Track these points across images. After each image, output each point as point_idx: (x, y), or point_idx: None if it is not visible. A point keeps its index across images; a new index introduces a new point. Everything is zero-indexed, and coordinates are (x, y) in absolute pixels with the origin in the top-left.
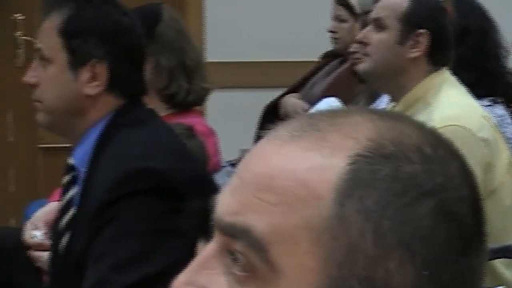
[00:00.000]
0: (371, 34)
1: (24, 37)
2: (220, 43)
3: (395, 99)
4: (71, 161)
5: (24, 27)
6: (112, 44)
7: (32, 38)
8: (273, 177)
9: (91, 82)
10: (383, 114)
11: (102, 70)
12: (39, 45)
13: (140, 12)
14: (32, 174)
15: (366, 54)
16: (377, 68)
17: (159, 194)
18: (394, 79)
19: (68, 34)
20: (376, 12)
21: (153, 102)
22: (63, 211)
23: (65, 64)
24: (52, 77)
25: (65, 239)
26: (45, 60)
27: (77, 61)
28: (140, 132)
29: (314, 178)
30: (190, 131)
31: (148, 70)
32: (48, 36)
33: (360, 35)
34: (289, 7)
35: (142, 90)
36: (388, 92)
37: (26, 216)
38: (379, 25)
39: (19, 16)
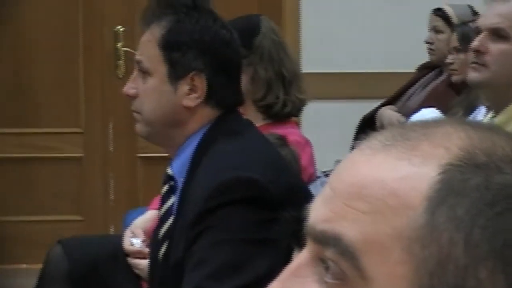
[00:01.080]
0: (488, 44)
1: (125, 49)
2: (316, 54)
3: (497, 110)
4: (170, 171)
5: (125, 38)
6: (211, 57)
7: (133, 50)
8: (364, 186)
9: (190, 94)
10: (475, 124)
11: (201, 82)
12: (139, 57)
13: (239, 23)
14: (131, 183)
15: (483, 64)
16: (494, 79)
17: (254, 203)
18: (507, 91)
19: (169, 46)
20: (495, 21)
21: (250, 113)
22: (162, 220)
23: (165, 76)
24: (151, 89)
25: (163, 248)
26: (145, 72)
27: (176, 73)
28: (236, 143)
29: (405, 187)
30: (282, 140)
31: (245, 81)
32: (149, 48)
33: (476, 43)
34: (386, 18)
35: (238, 101)
36: (491, 102)
37: (125, 224)
38: (499, 34)
39: (120, 28)
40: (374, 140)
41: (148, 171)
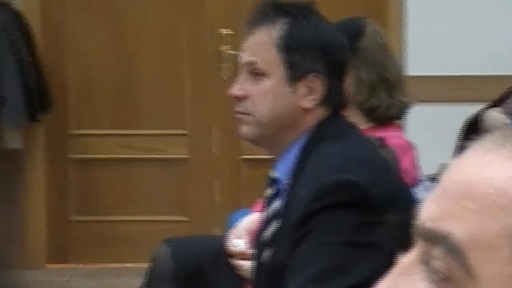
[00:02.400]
0: None
1: (229, 51)
2: (421, 57)
3: None
4: (274, 173)
5: (229, 41)
6: (329, 59)
7: (237, 52)
8: (473, 184)
9: (307, 95)
10: None
11: (318, 84)
12: (252, 58)
13: (343, 25)
14: (235, 184)
15: None
16: None
17: (358, 206)
18: None
19: (288, 48)
20: None
21: (353, 115)
22: (266, 223)
23: (283, 78)
24: (267, 90)
25: (268, 251)
26: (260, 74)
27: (295, 75)
28: (340, 145)
29: None
30: (381, 141)
31: (349, 84)
32: (264, 50)
33: None
34: (492, 21)
35: (343, 103)
36: None
37: (229, 225)
38: None
39: (224, 31)
40: (484, 141)
41: (252, 173)
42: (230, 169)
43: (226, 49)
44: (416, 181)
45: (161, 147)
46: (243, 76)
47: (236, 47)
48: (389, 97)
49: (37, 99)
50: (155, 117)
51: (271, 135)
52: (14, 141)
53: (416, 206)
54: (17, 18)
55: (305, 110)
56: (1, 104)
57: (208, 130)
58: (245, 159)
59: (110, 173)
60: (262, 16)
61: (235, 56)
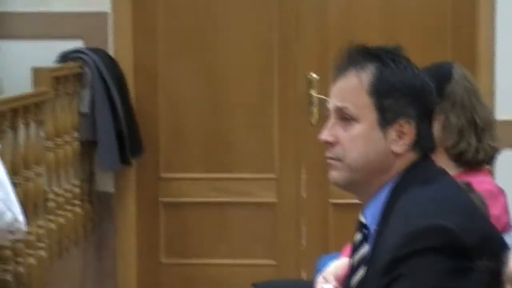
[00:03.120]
0: None
1: (318, 96)
2: (510, 101)
3: None
4: (362, 218)
5: (318, 85)
6: (419, 103)
7: (326, 97)
8: None
9: (398, 140)
10: None
11: (409, 128)
12: (342, 103)
13: (431, 70)
14: (323, 228)
15: None
16: None
17: (448, 252)
18: None
19: (380, 93)
20: None
21: (441, 160)
22: (354, 268)
23: (374, 123)
24: (358, 135)
25: None
26: (350, 119)
27: (387, 119)
28: (430, 189)
29: None
30: (469, 186)
31: (437, 128)
32: (355, 95)
33: None
34: None
35: (432, 148)
36: None
37: (317, 270)
38: None
39: (313, 75)
40: None
41: (340, 218)
42: (318, 213)
43: (315, 93)
44: (507, 228)
45: (250, 191)
46: (333, 121)
47: (325, 91)
48: (478, 141)
49: (129, 143)
50: (245, 160)
51: (361, 180)
52: (106, 184)
53: (507, 253)
54: (111, 63)
55: (396, 155)
56: (94, 147)
57: (297, 174)
58: (333, 204)
59: (200, 216)
60: (351, 61)
61: (324, 100)
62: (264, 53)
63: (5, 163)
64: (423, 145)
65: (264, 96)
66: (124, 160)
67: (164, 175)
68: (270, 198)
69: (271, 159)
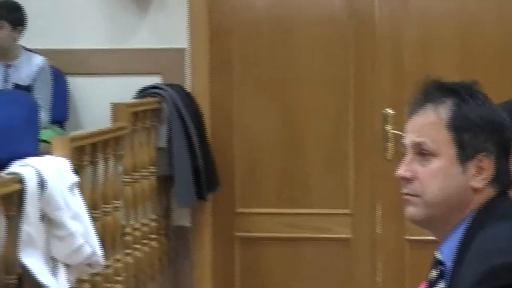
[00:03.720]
0: None
1: (394, 131)
2: None
3: None
4: (439, 255)
5: (394, 121)
6: (497, 139)
7: (402, 132)
8: None
9: (477, 175)
10: None
11: (488, 163)
12: (420, 139)
13: (507, 105)
14: (399, 265)
15: None
16: None
17: None
18: None
19: (458, 128)
20: None
21: None
22: None
23: (454, 158)
24: (437, 171)
25: None
26: (428, 154)
27: (466, 154)
28: (508, 226)
29: None
30: None
31: None
32: (434, 130)
33: None
34: None
35: (510, 183)
36: None
37: None
38: None
39: (389, 110)
40: None
41: (415, 254)
42: (394, 250)
43: (391, 129)
44: None
45: (325, 226)
46: (410, 156)
47: (401, 127)
48: None
49: (205, 178)
50: (319, 196)
51: (439, 216)
52: (183, 218)
53: None
54: (188, 98)
55: (474, 190)
56: (171, 182)
57: (372, 209)
58: (409, 240)
59: (275, 252)
60: (428, 97)
61: (400, 136)
62: (340, 89)
63: (84, 197)
64: (502, 180)
65: (340, 131)
66: (200, 195)
67: (240, 210)
68: (345, 234)
69: (346, 195)
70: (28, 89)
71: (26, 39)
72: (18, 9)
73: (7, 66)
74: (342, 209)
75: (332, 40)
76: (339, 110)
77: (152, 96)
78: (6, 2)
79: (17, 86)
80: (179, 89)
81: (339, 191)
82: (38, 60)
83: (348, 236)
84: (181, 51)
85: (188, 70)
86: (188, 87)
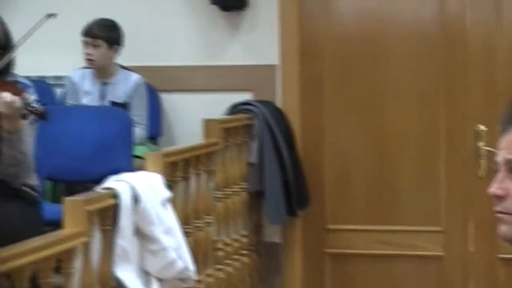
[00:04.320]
0: None
1: (486, 148)
2: None
3: None
4: None
5: (486, 137)
6: None
7: (494, 149)
8: None
9: None
10: None
11: None
12: (509, 156)
13: None
14: (491, 284)
15: None
16: None
17: None
18: None
19: None
20: None
21: None
22: None
23: None
24: None
25: None
26: None
27: None
28: None
29: None
30: None
31: None
32: None
33: None
34: None
35: None
36: None
37: None
38: None
39: (481, 127)
40: None
41: (509, 273)
42: (486, 268)
43: (483, 145)
44: None
45: (416, 244)
46: (502, 174)
47: (493, 143)
48: None
49: (296, 194)
50: (410, 212)
51: None
52: (273, 235)
53: None
54: (279, 114)
55: None
56: (261, 199)
57: (464, 227)
58: (502, 258)
59: (365, 268)
60: None
61: (492, 153)
62: (431, 104)
63: (176, 212)
64: None
65: (431, 147)
66: (291, 211)
67: (330, 226)
68: (437, 251)
69: (438, 211)
70: (124, 106)
71: (122, 57)
72: (114, 28)
73: (104, 83)
74: (434, 226)
75: (422, 55)
76: (430, 125)
77: (243, 112)
78: (103, 21)
79: (113, 104)
80: (270, 105)
81: (431, 208)
82: (134, 78)
83: (440, 253)
84: (272, 67)
85: (279, 86)
86: (279, 103)
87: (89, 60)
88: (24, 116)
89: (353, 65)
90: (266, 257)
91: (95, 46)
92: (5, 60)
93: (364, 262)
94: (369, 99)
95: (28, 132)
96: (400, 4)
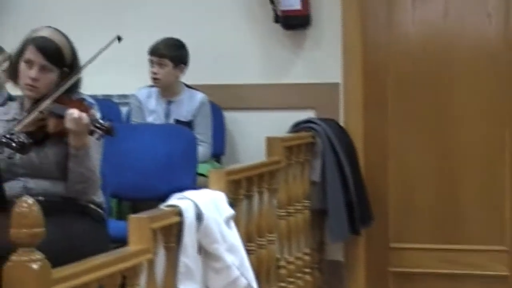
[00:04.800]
0: None
1: None
2: None
3: None
4: None
5: None
6: None
7: None
8: None
9: None
10: None
11: None
12: None
13: None
14: None
15: None
16: None
17: None
18: None
19: None
20: None
21: None
22: None
23: None
24: None
25: None
26: None
27: None
28: None
29: None
30: None
31: None
32: None
33: None
34: None
35: None
36: None
37: None
38: None
39: None
40: None
41: None
42: None
43: None
44: None
45: (481, 263)
46: None
47: None
48: None
49: (359, 212)
50: (475, 231)
51: None
52: (336, 253)
53: None
54: (342, 132)
55: None
56: (324, 216)
57: None
58: None
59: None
60: None
61: None
62: (495, 121)
63: (239, 230)
64: None
65: (496, 165)
66: (354, 229)
67: (393, 245)
68: (502, 271)
69: (503, 230)
70: (188, 124)
71: (186, 75)
72: (181, 47)
73: (169, 102)
74: (499, 246)
75: (488, 72)
76: (495, 143)
77: (306, 130)
78: (170, 40)
79: (178, 122)
80: (332, 123)
81: (495, 227)
82: (199, 97)
83: (505, 273)
84: (335, 85)
85: (341, 105)
86: (341, 121)
87: (155, 79)
88: (91, 132)
89: (417, 83)
90: (329, 276)
91: (161, 65)
92: (72, 79)
93: (427, 281)
94: (433, 117)
95: (96, 149)
96: (466, 21)
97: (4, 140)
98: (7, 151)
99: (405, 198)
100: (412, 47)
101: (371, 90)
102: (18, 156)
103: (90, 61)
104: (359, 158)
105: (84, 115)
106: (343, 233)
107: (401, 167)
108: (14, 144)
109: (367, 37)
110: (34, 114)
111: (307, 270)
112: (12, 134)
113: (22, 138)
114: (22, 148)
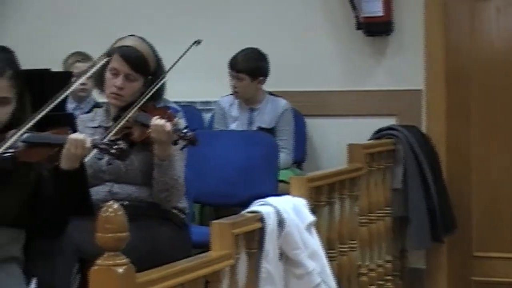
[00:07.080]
0: None
1: None
2: None
3: None
4: None
5: None
6: None
7: None
8: None
9: None
10: None
11: None
12: None
13: None
14: None
15: None
16: None
17: None
18: None
19: None
20: None
21: None
22: None
23: None
24: None
25: None
26: None
27: None
28: None
29: None
30: None
31: None
32: None
33: None
34: None
35: None
36: None
37: None
38: None
39: None
40: None
41: None
42: None
43: None
44: None
45: None
46: None
47: None
48: None
49: (441, 220)
50: None
51: None
52: (418, 261)
53: None
54: (424, 140)
55: None
56: (406, 224)
57: None
58: None
59: None
60: None
61: None
62: None
63: (321, 236)
64: None
65: None
66: (436, 237)
67: (477, 253)
68: None
69: None
70: (271, 131)
71: (268, 82)
72: (259, 59)
73: (252, 110)
74: None
75: None
76: None
77: (387, 137)
78: (248, 53)
79: (260, 129)
80: (414, 130)
81: None
82: (282, 104)
83: None
84: (417, 92)
85: (424, 112)
86: (423, 128)
87: (235, 92)
88: (174, 142)
89: (500, 91)
90: (411, 283)
91: (238, 79)
92: (156, 86)
93: None
94: None
95: (180, 156)
96: None
97: (103, 146)
98: (106, 157)
99: (489, 206)
100: (496, 55)
101: (454, 98)
102: (105, 162)
103: (171, 67)
104: (442, 165)
105: (168, 124)
106: (425, 241)
107: (485, 175)
108: (113, 151)
109: (449, 44)
110: (122, 122)
111: (388, 277)
112: (111, 140)
113: (121, 144)
114: (121, 154)
